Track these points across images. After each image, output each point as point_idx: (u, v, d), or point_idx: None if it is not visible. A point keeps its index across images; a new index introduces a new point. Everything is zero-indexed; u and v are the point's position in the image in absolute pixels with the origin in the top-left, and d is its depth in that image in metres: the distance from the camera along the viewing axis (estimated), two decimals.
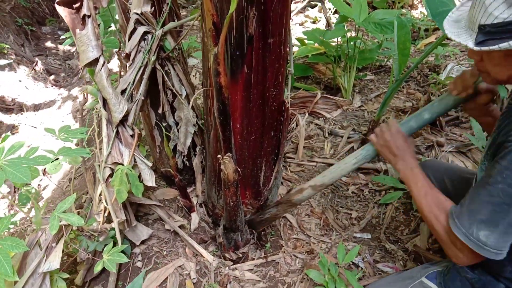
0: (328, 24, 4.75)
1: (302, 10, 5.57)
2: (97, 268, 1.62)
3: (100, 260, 1.63)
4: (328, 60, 3.55)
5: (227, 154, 1.66)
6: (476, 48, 0.99)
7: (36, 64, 6.04)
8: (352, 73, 3.36)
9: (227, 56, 1.57)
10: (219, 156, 1.65)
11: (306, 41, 3.79)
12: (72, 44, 7.10)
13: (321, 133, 3.20)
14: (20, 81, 5.70)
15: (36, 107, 5.47)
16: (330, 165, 2.88)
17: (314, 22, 5.25)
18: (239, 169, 1.74)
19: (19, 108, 5.43)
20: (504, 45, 0.92)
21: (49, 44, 6.97)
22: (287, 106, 1.83)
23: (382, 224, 2.39)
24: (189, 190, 2.58)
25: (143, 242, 2.29)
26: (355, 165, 1.67)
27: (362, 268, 2.12)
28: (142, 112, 2.35)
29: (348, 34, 3.46)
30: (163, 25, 2.03)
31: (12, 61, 5.76)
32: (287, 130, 1.94)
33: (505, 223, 1.01)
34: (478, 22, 0.99)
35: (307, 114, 2.35)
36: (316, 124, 3.27)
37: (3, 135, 4.44)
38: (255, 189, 2.01)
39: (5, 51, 5.84)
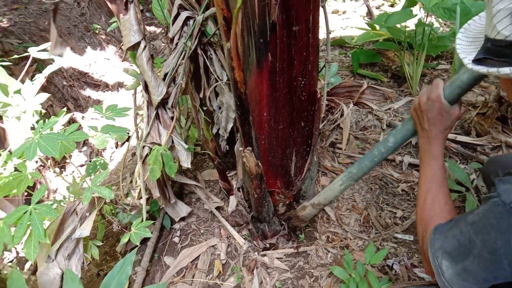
0: (369, 12, 4.43)
1: None
2: (124, 240, 1.75)
3: (127, 233, 1.75)
4: (396, 46, 3.33)
5: (247, 148, 1.66)
6: (469, 67, 0.82)
7: (123, 44, 6.54)
8: (420, 61, 3.11)
9: (252, 44, 1.55)
10: (240, 149, 1.66)
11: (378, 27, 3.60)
12: (157, 26, 7.53)
13: (379, 125, 3.04)
14: (108, 59, 6.22)
15: (120, 85, 5.93)
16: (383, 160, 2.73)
17: (392, 5, 4.93)
18: (260, 164, 1.75)
19: (105, 85, 5.94)
20: (504, 70, 0.73)
21: None
22: (319, 96, 1.77)
23: None
24: (232, 173, 2.64)
25: (183, 219, 2.41)
26: (341, 186, 1.70)
27: (396, 271, 2.01)
28: (190, 96, 2.44)
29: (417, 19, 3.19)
30: (206, 10, 2.06)
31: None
32: (319, 122, 1.88)
33: (461, 265, 0.91)
34: (484, 34, 0.81)
35: (352, 105, 2.24)
36: (375, 115, 3.11)
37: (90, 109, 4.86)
38: (286, 178, 1.98)
39: (97, 31, 6.40)
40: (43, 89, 5.30)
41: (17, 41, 5.32)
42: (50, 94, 5.26)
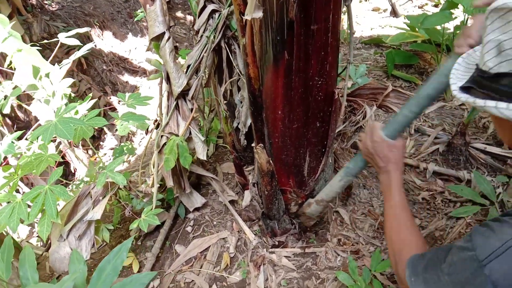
0: (394, 11, 4.24)
1: None
2: (132, 226, 1.80)
3: (137, 219, 1.80)
4: (434, 49, 3.20)
5: (259, 144, 1.66)
6: (454, 94, 0.79)
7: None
8: None
9: (269, 41, 1.53)
10: (252, 145, 1.66)
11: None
12: None
13: (407, 129, 2.94)
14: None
15: (157, 72, 6.06)
16: (406, 165, 2.66)
17: (436, 6, 4.72)
18: (271, 162, 1.75)
19: (143, 71, 6.09)
20: (479, 102, 0.71)
21: (179, 13, 7.55)
22: (336, 97, 1.74)
23: (445, 238, 2.14)
24: (250, 168, 2.64)
25: (197, 210, 2.44)
26: (340, 182, 1.67)
27: None
28: (213, 89, 2.46)
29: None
30: (232, 4, 2.06)
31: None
32: (336, 123, 1.84)
33: None
34: (476, 63, 0.78)
35: (375, 107, 2.18)
36: None
37: (128, 94, 5.04)
38: (299, 178, 1.96)
39: (140, 18, 6.54)
40: (83, 72, 5.52)
41: (63, 25, 5.53)
42: (89, 77, 5.47)
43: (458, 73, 0.84)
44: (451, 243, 1.02)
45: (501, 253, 0.68)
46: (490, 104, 0.69)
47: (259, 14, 1.40)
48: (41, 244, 2.83)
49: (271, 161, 1.75)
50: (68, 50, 5.15)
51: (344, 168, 1.64)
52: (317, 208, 1.89)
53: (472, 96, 0.75)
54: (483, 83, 0.72)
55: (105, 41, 6.06)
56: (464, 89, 0.78)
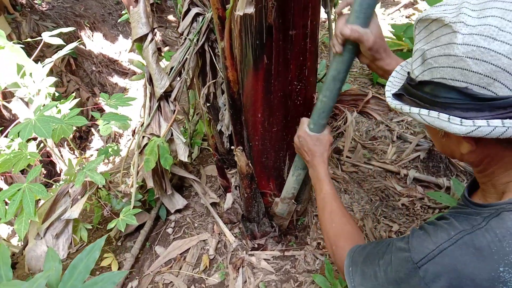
0: None
1: (414, 2, 5.12)
2: (110, 225, 1.80)
3: (115, 219, 1.80)
4: None
5: (238, 147, 1.68)
6: (387, 100, 0.82)
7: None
8: None
9: (249, 45, 1.56)
10: (232, 147, 1.68)
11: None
12: None
13: (389, 136, 2.99)
14: None
15: None
16: (387, 171, 2.69)
17: None
18: (250, 164, 1.76)
19: (133, 73, 6.08)
20: (406, 108, 0.74)
21: (171, 17, 7.55)
22: (315, 102, 1.76)
23: None
24: (233, 171, 2.66)
25: (179, 211, 2.44)
26: (293, 177, 1.70)
27: None
28: (198, 91, 2.47)
29: None
30: None
31: None
32: None
33: None
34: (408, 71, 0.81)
35: (355, 113, 2.22)
36: (386, 126, 3.06)
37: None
38: (279, 181, 1.98)
39: (125, 20, 6.55)
40: (72, 73, 5.50)
41: (52, 25, 5.51)
42: (78, 78, 5.46)
43: (395, 81, 0.87)
44: (391, 238, 1.06)
45: (434, 256, 0.70)
46: (414, 110, 0.72)
47: (251, 9, 1.42)
48: (22, 243, 2.81)
49: (250, 164, 1.77)
50: (58, 51, 5.13)
51: (294, 163, 1.67)
52: (283, 207, 1.91)
53: (402, 103, 0.78)
54: (411, 90, 0.75)
55: (95, 42, 6.06)
56: (397, 96, 0.81)
